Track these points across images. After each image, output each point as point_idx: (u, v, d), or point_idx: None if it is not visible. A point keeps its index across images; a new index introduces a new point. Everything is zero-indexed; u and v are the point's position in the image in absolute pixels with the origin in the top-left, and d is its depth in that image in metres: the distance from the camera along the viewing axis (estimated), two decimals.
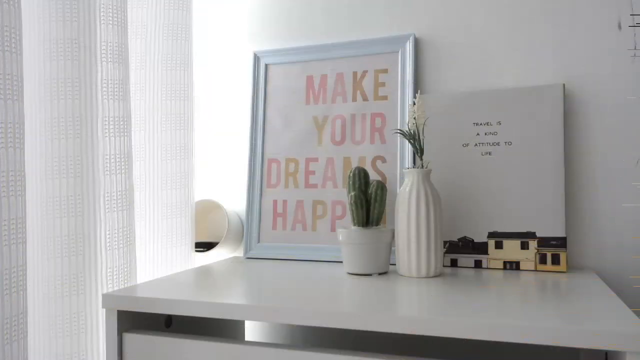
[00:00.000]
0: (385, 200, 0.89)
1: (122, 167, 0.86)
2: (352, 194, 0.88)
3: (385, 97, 1.03)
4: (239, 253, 1.14)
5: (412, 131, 0.87)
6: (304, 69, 1.09)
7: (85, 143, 0.82)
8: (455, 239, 0.94)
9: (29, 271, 0.79)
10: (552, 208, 0.89)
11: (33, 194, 0.79)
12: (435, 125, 0.97)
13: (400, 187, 0.90)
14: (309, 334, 1.09)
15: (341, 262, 0.98)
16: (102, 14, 0.84)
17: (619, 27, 0.93)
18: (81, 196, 0.81)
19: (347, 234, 0.87)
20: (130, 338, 0.73)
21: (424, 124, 0.88)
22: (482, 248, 0.92)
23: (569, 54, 0.96)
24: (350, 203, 0.88)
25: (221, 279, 0.85)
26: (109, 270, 0.83)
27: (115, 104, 0.85)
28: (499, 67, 0.99)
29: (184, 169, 1.04)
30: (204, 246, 1.13)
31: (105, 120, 0.84)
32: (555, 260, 0.88)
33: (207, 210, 1.15)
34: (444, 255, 0.91)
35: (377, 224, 0.89)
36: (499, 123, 0.94)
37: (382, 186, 0.89)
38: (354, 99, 1.05)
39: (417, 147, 0.88)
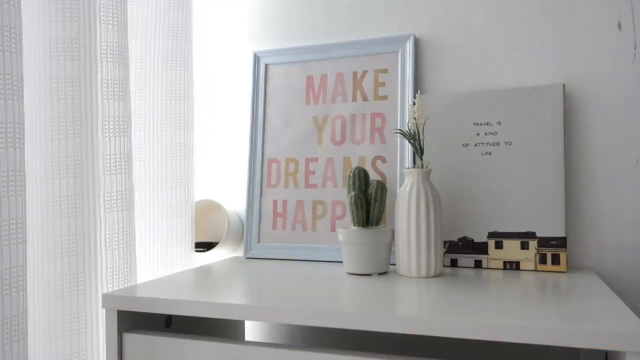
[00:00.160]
0: (385, 200, 0.89)
1: (122, 167, 0.86)
2: (352, 194, 0.88)
3: (385, 97, 1.03)
4: (239, 253, 1.14)
5: (412, 131, 0.87)
6: (304, 69, 1.09)
7: (85, 143, 0.82)
8: (455, 239, 0.94)
9: (29, 271, 0.79)
10: (552, 208, 0.89)
11: (33, 194, 0.79)
12: (435, 125, 0.97)
13: (400, 187, 0.90)
14: (309, 334, 1.09)
15: (341, 262, 0.98)
16: (102, 14, 0.84)
17: (619, 27, 0.93)
18: (81, 196, 0.81)
19: (347, 234, 0.87)
20: (130, 338, 0.73)
21: (424, 124, 0.88)
22: (482, 248, 0.92)
23: (569, 54, 0.96)
24: (350, 203, 0.88)
25: (221, 279, 0.85)
26: (109, 270, 0.83)
27: (115, 104, 0.85)
28: (499, 67, 0.99)
29: (184, 169, 1.04)
30: (204, 246, 1.13)
31: (105, 120, 0.84)
32: (555, 260, 0.88)
33: (207, 210, 1.15)
34: (444, 255, 0.91)
35: (377, 224, 0.89)
36: (499, 123, 0.94)
37: (382, 186, 0.89)
38: (354, 99, 1.05)
39: (417, 147, 0.88)
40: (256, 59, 1.12)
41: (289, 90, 1.10)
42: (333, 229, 1.03)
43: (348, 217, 1.02)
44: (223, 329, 0.98)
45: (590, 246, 0.94)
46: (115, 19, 0.85)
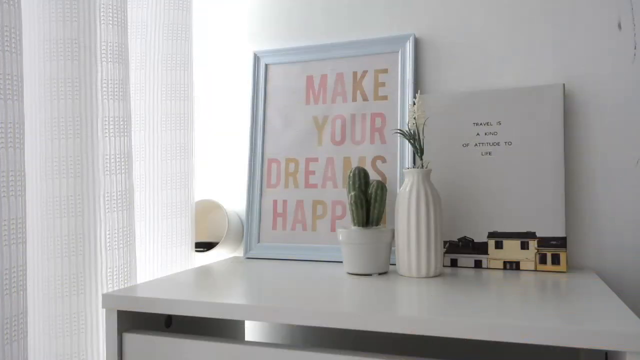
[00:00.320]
0: (385, 200, 0.89)
1: (122, 167, 0.86)
2: (352, 194, 0.88)
3: (385, 97, 1.03)
4: (239, 253, 1.14)
5: (412, 131, 0.87)
6: (304, 69, 1.09)
7: (85, 143, 0.82)
8: (455, 239, 0.94)
9: (29, 271, 0.79)
10: (552, 208, 0.89)
11: (33, 194, 0.79)
12: (435, 125, 0.97)
13: (400, 187, 0.90)
14: (309, 334, 1.09)
15: (341, 262, 0.98)
16: (102, 14, 0.84)
17: (619, 27, 0.93)
18: (81, 196, 0.81)
19: (347, 234, 0.87)
20: (130, 338, 0.73)
21: (424, 124, 0.88)
22: (482, 248, 0.92)
23: (569, 54, 0.96)
24: (350, 203, 0.88)
25: (221, 279, 0.85)
26: (109, 270, 0.83)
27: (115, 104, 0.85)
28: (499, 67, 0.99)
29: (184, 169, 1.04)
30: (204, 246, 1.13)
31: (105, 120, 0.84)
32: (555, 260, 0.88)
33: (207, 210, 1.15)
34: (444, 255, 0.91)
35: (377, 224, 0.89)
36: (499, 123, 0.94)
37: (382, 186, 0.89)
38: (354, 99, 1.05)
39: (417, 147, 0.88)
40: (256, 59, 1.12)
41: (289, 90, 1.10)
42: (333, 229, 1.03)
43: (348, 217, 1.02)
44: (223, 329, 0.98)
45: (590, 246, 0.94)
46: (115, 19, 0.85)
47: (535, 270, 0.89)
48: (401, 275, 0.86)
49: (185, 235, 1.03)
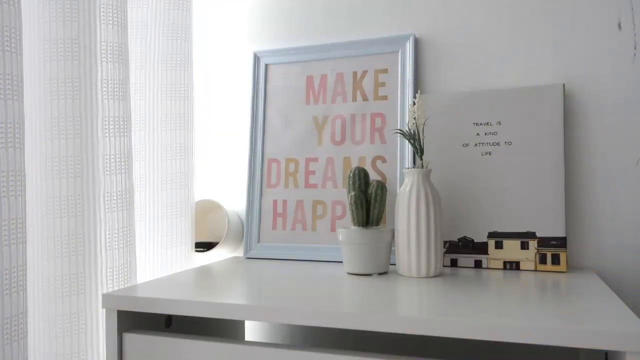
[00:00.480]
0: (385, 200, 0.89)
1: (122, 167, 0.86)
2: (352, 194, 0.88)
3: (385, 97, 1.03)
4: (239, 253, 1.14)
5: (412, 131, 0.87)
6: (304, 69, 1.09)
7: (85, 143, 0.82)
8: (455, 239, 0.94)
9: (29, 271, 0.79)
10: (552, 208, 0.89)
11: (33, 194, 0.79)
12: (435, 125, 0.97)
13: (400, 187, 0.90)
14: (309, 334, 1.09)
15: (341, 262, 0.98)
16: (102, 14, 0.84)
17: (619, 27, 0.93)
18: (81, 196, 0.81)
19: (347, 234, 0.87)
20: (130, 338, 0.73)
21: (424, 124, 0.88)
22: (482, 248, 0.92)
23: (569, 54, 0.96)
24: (350, 203, 0.88)
25: (221, 279, 0.85)
26: (109, 270, 0.83)
27: (115, 104, 0.85)
28: (499, 67, 0.99)
29: (184, 169, 1.04)
30: (204, 246, 1.13)
31: (105, 120, 0.84)
32: (555, 260, 0.88)
33: (207, 210, 1.15)
34: (444, 255, 0.91)
35: (377, 224, 0.89)
36: (499, 123, 0.94)
37: (382, 186, 0.89)
38: (354, 99, 1.05)
39: (417, 147, 0.88)
40: (256, 59, 1.12)
41: (289, 90, 1.10)
42: (333, 229, 1.03)
43: (348, 217, 1.02)
44: (223, 329, 0.98)
45: (590, 246, 0.94)
46: (115, 19, 0.85)
47: (535, 270, 0.89)
48: (401, 275, 0.86)
49: (185, 235, 1.03)
